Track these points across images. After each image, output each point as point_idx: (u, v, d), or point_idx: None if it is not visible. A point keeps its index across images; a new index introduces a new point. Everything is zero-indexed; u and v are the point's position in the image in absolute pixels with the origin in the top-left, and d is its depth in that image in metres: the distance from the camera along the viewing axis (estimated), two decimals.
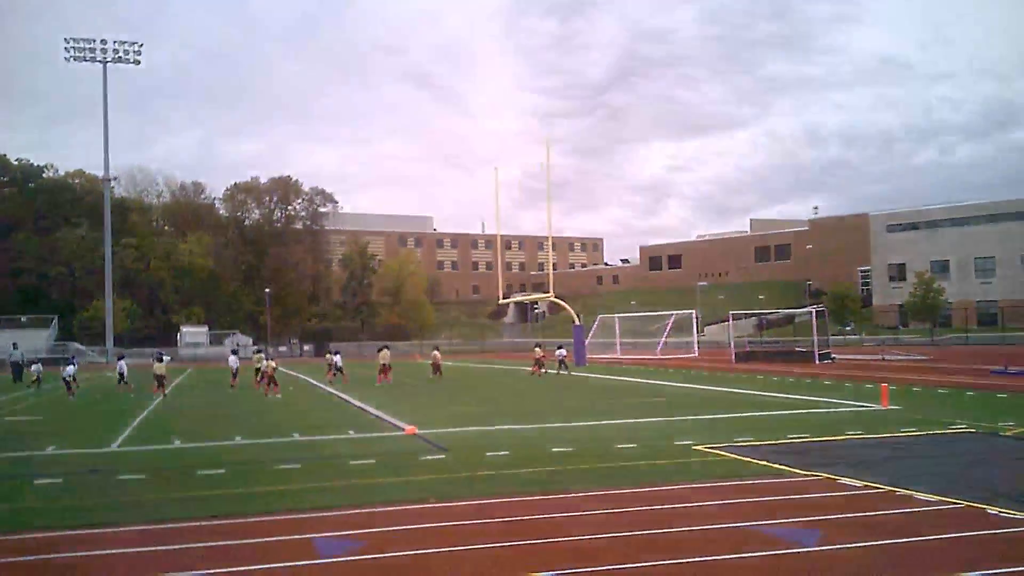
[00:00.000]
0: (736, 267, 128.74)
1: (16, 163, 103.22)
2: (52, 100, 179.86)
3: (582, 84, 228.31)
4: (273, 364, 28.44)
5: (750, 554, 7.09)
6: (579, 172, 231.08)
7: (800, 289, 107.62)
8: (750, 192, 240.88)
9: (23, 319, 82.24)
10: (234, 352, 35.41)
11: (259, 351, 34.09)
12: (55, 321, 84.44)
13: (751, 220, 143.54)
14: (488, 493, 9.93)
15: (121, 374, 30.96)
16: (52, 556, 7.46)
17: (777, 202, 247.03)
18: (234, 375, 31.17)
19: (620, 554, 7.15)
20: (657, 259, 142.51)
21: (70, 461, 13.42)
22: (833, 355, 44.15)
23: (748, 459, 11.94)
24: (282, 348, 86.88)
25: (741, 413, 18.62)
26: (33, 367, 33.48)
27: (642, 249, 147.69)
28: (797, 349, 47.17)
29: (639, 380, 31.60)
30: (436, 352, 36.89)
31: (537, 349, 38.40)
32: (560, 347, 38.85)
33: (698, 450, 12.93)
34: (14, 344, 41.60)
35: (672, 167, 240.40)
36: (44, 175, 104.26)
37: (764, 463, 11.58)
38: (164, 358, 29.77)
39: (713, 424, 16.58)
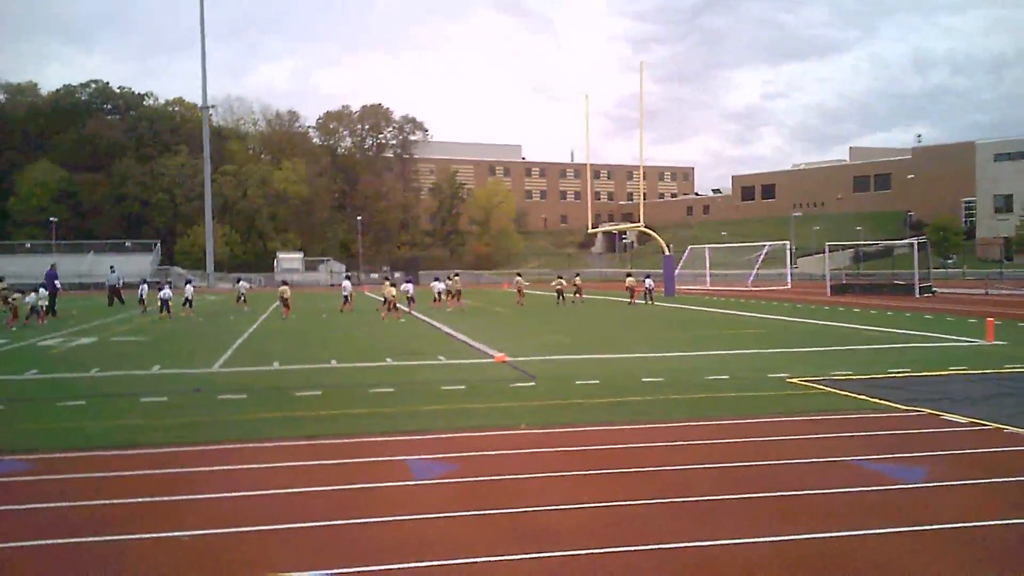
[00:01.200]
0: (833, 197, 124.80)
1: (118, 91, 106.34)
2: (152, 29, 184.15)
3: (676, 7, 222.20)
4: (394, 291, 29.51)
5: (850, 489, 6.91)
6: (670, 99, 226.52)
7: (900, 220, 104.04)
8: (850, 120, 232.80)
9: (127, 244, 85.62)
10: (347, 278, 36.72)
11: (387, 278, 35.24)
12: (157, 246, 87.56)
13: (851, 149, 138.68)
14: (578, 421, 9.93)
15: (163, 300, 30.98)
16: (157, 471, 7.76)
17: (878, 130, 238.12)
18: (346, 300, 32.39)
19: (712, 486, 7.07)
20: (750, 189, 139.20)
21: (174, 380, 13.94)
22: (934, 288, 42.65)
23: (846, 393, 11.64)
24: (374, 275, 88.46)
25: (838, 347, 18.16)
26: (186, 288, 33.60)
27: (734, 179, 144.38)
28: (896, 282, 45.64)
29: (730, 312, 31.12)
30: (562, 279, 37.79)
31: (562, 280, 39.15)
32: (648, 276, 38.94)
33: (793, 383, 12.67)
34: (111, 267, 42.51)
35: (768, 94, 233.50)
36: (145, 103, 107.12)
37: (863, 397, 11.28)
38: (287, 283, 33.11)
39: (808, 357, 16.22)
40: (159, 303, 30.47)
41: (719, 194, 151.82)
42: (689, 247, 66.51)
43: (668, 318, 28.61)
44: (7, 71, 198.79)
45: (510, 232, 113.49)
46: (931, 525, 5.94)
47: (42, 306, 28.71)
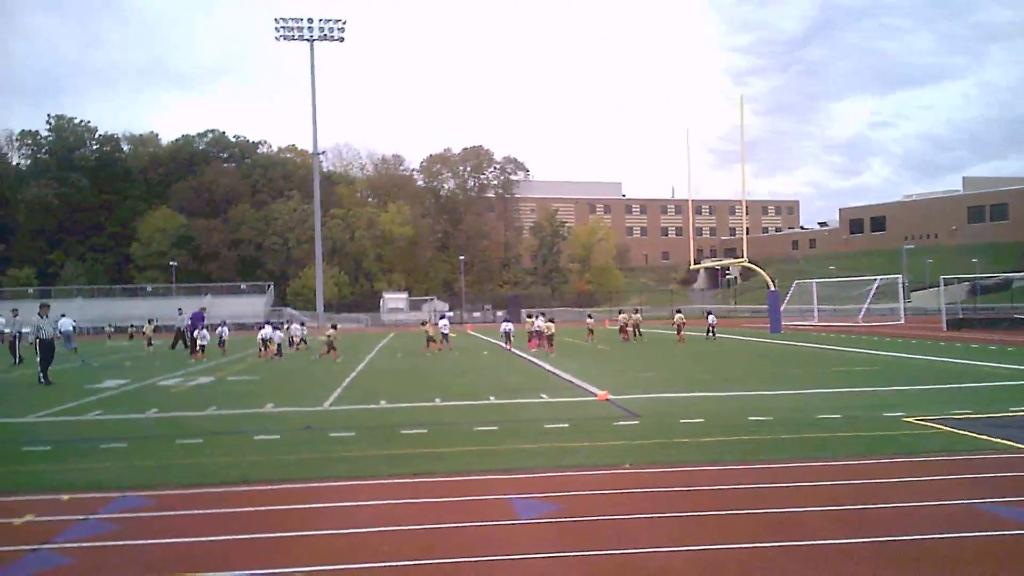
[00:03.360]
0: (947, 229, 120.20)
1: (234, 140, 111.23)
2: (264, 78, 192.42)
3: (777, 39, 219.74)
4: (547, 326, 30.97)
5: (966, 533, 6.61)
6: (773, 132, 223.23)
7: (1019, 252, 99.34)
8: (962, 148, 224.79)
9: (242, 286, 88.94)
10: (443, 317, 37.24)
11: (530, 315, 36.07)
12: (271, 288, 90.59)
13: (964, 178, 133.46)
14: (684, 461, 9.79)
15: (261, 340, 32.16)
16: (271, 507, 8.00)
17: (993, 159, 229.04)
18: (445, 338, 32.77)
19: (822, 528, 6.87)
20: (858, 221, 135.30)
21: (286, 418, 14.35)
22: None
23: (965, 432, 11.15)
24: (476, 314, 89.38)
25: (956, 384, 17.42)
26: (292, 330, 35.24)
27: (842, 211, 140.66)
28: (1016, 316, 43.57)
29: (840, 348, 30.20)
30: (680, 314, 38.08)
31: (589, 320, 39.95)
32: (709, 313, 39.24)
33: (909, 422, 12.21)
34: (179, 310, 41.52)
35: (874, 123, 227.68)
36: (259, 151, 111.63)
37: (984, 437, 10.78)
38: (443, 319, 34.46)
39: (925, 395, 15.60)
40: (261, 342, 31.27)
41: (826, 227, 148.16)
42: (795, 282, 65.00)
43: (775, 355, 27.97)
44: (130, 123, 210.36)
45: (611, 269, 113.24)
46: None
47: (297, 339, 31.70)
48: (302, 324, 39.29)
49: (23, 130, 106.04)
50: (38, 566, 6.28)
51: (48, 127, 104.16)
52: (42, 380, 21.26)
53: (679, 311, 39.23)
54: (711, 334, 37.33)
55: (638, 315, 39.51)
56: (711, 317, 38.49)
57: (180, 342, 37.23)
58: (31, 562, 6.38)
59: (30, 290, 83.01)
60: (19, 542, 6.89)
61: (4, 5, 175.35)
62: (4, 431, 13.49)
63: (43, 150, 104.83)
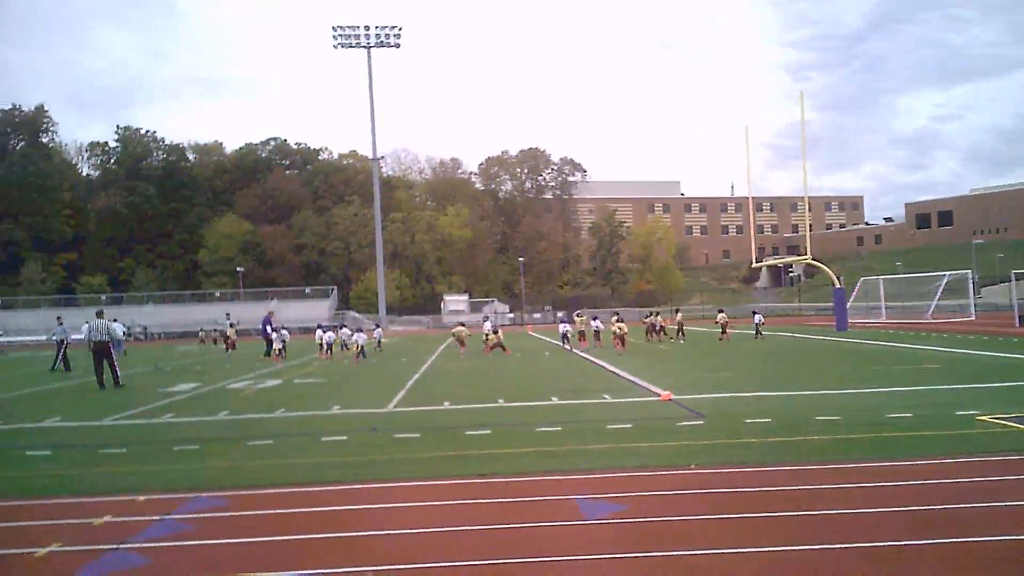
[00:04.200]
0: (1017, 222, 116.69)
1: (295, 147, 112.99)
2: (324, 86, 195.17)
3: (837, 33, 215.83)
4: (619, 326, 30.84)
5: None
6: (834, 127, 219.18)
7: None
8: None
9: (306, 291, 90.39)
10: (486, 319, 37.48)
11: (579, 314, 36.35)
12: (334, 292, 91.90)
13: None
14: (750, 461, 9.67)
15: (326, 344, 33.33)
16: (339, 508, 8.12)
17: None
18: (485, 339, 33.01)
19: (894, 530, 6.73)
20: (925, 216, 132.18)
21: (352, 420, 14.53)
22: None
23: None
24: (536, 315, 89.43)
25: None
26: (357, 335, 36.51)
27: (908, 206, 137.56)
28: None
29: (909, 345, 29.51)
30: (722, 314, 37.83)
31: (647, 320, 39.99)
32: (756, 312, 38.95)
33: (983, 421, 11.88)
34: (227, 314, 43.37)
35: (940, 116, 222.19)
36: (320, 157, 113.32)
37: None
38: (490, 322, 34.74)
39: (999, 393, 15.15)
40: (323, 344, 32.81)
41: (891, 223, 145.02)
42: (861, 279, 63.72)
43: (842, 353, 27.44)
44: (195, 133, 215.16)
45: (671, 269, 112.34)
46: None
47: (361, 345, 31.99)
48: (376, 326, 40.10)
49: (92, 142, 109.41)
50: (117, 565, 6.48)
51: (116, 138, 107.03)
52: (118, 382, 21.96)
53: (721, 311, 39.00)
54: (758, 334, 36.99)
55: (679, 315, 39.45)
56: (757, 316, 38.16)
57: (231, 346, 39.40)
58: (110, 561, 6.58)
59: (103, 297, 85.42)
60: (98, 542, 7.11)
61: (74, 22, 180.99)
62: (81, 434, 13.91)
63: (112, 161, 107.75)
